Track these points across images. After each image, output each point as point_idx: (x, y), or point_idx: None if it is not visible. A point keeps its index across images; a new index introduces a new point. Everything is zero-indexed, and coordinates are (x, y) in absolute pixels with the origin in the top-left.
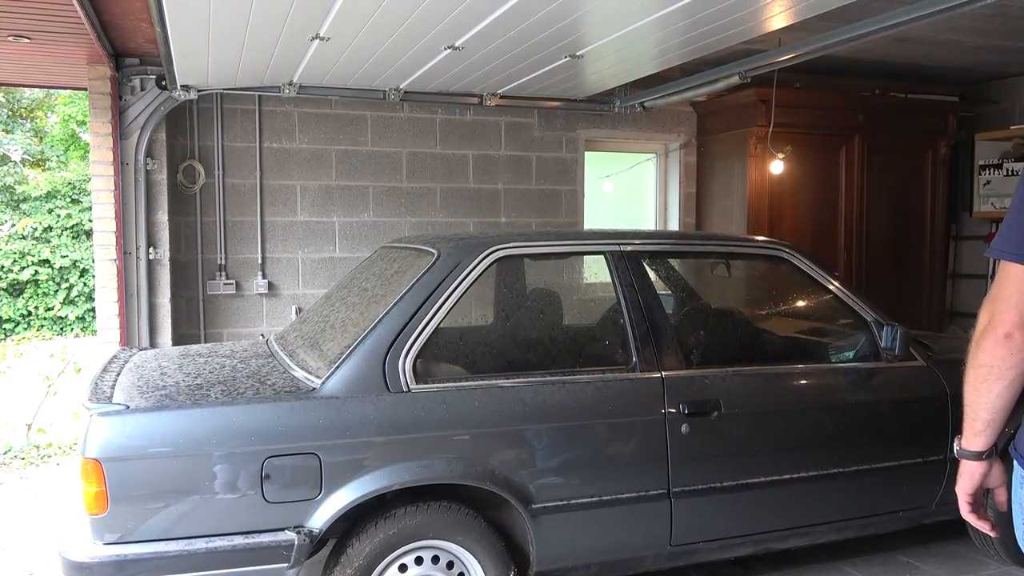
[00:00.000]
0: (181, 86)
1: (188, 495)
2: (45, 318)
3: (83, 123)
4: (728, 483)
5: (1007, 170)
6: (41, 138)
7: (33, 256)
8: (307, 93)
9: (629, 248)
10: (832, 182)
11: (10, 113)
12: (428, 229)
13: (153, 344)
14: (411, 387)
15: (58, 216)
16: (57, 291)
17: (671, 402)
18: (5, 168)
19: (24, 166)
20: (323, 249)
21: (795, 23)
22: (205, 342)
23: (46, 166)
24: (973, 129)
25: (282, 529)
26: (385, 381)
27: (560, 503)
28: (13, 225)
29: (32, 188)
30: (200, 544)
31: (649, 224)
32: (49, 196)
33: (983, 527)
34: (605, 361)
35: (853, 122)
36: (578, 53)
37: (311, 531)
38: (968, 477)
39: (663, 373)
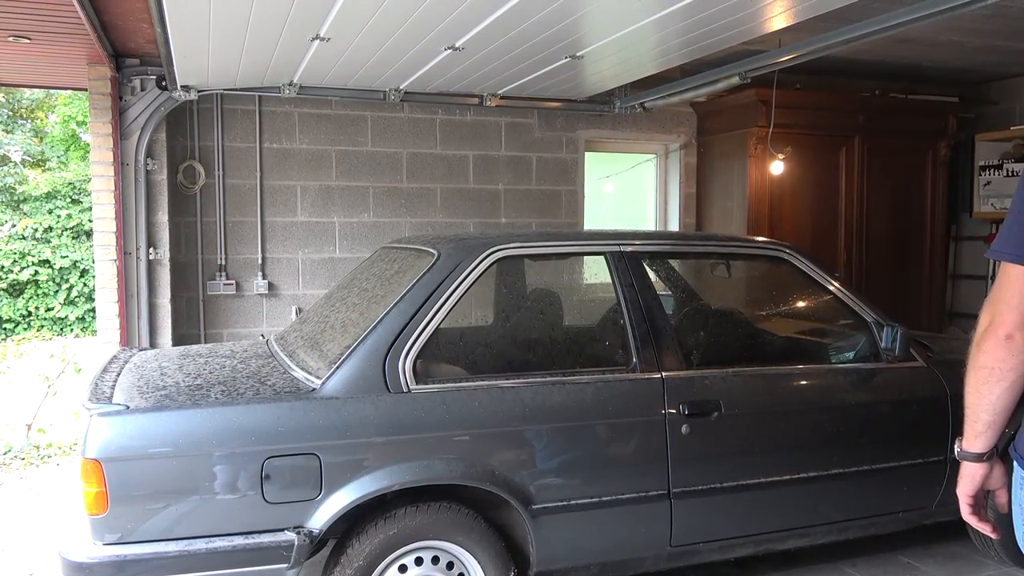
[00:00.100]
0: (181, 86)
1: (188, 495)
2: (45, 318)
3: (83, 123)
4: (728, 484)
5: (1007, 171)
6: (41, 138)
7: (33, 256)
8: (307, 93)
9: (629, 249)
10: (832, 183)
11: (10, 113)
12: (428, 229)
13: (153, 344)
14: (411, 387)
15: (58, 216)
16: (57, 291)
17: (671, 403)
18: (5, 168)
19: (24, 166)
20: (323, 249)
21: (795, 24)
22: (205, 342)
23: (46, 166)
24: (973, 130)
25: (282, 529)
26: (385, 381)
27: (560, 503)
28: (13, 225)
29: (32, 188)
30: (200, 544)
31: (649, 225)
32: (49, 196)
33: (984, 529)
34: (605, 362)
35: (853, 123)
36: (578, 54)
37: (311, 531)
38: (969, 479)
39: (663, 374)
